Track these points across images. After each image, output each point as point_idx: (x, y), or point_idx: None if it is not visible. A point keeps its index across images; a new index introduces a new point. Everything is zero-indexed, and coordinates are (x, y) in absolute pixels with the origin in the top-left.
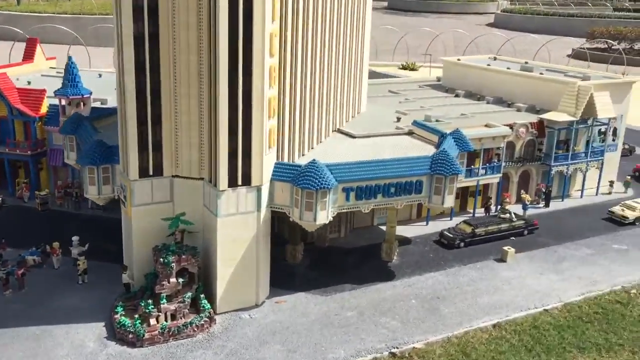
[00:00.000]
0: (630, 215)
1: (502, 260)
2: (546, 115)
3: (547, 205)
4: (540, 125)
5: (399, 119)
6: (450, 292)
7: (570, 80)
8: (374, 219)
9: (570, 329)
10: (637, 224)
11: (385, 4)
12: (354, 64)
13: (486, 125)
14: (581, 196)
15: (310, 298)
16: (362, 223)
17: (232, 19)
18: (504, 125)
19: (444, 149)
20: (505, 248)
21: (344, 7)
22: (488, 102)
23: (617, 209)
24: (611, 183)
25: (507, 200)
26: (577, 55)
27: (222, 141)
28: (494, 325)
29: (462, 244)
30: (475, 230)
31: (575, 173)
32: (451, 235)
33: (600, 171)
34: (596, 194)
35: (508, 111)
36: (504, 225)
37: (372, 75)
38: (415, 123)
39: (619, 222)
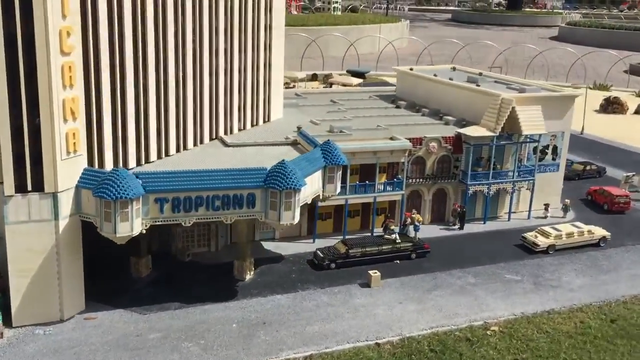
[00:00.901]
0: (542, 242)
1: (367, 285)
2: (463, 130)
3: (461, 227)
4: (457, 141)
5: (299, 129)
6: (284, 317)
7: (494, 92)
8: (255, 234)
9: None
10: (550, 252)
11: (449, 16)
12: (250, 71)
13: (391, 139)
14: (508, 219)
15: (124, 316)
16: (242, 237)
17: (6, 16)
18: (414, 138)
19: (283, 160)
20: (371, 272)
21: (221, 14)
22: (423, 114)
23: (530, 235)
24: (546, 206)
25: (392, 220)
26: (635, 70)
27: (4, 145)
28: (305, 358)
29: (332, 265)
30: (350, 251)
31: (503, 194)
32: (322, 255)
33: (532, 192)
34: (528, 218)
35: (435, 124)
36: (385, 247)
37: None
38: (300, 133)
39: (530, 249)
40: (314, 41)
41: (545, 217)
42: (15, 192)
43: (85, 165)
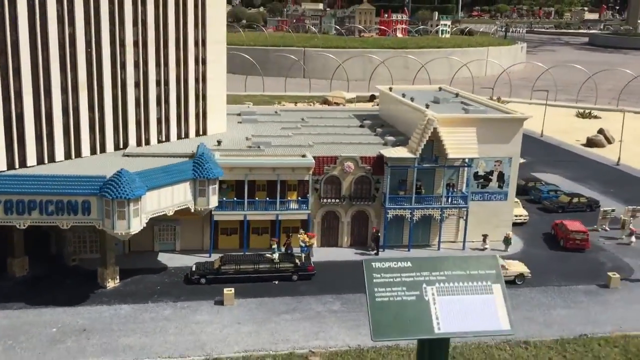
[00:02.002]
0: None
1: (221, 302)
2: (383, 150)
3: (376, 252)
4: (378, 161)
5: (219, 143)
6: (108, 326)
7: (423, 111)
8: (154, 244)
9: None
10: None
11: (586, 39)
12: (173, 84)
13: (303, 156)
14: (438, 248)
15: None
16: (140, 247)
17: None
18: (326, 157)
19: (121, 169)
20: (225, 290)
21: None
22: (377, 134)
23: None
24: (484, 237)
25: (274, 239)
26: None
27: None
28: None
29: (202, 280)
30: (221, 267)
31: (434, 221)
32: (194, 270)
33: (466, 221)
34: (463, 249)
35: (374, 143)
36: (263, 266)
37: None
38: (199, 147)
39: None
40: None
41: (484, 249)
42: None
43: None
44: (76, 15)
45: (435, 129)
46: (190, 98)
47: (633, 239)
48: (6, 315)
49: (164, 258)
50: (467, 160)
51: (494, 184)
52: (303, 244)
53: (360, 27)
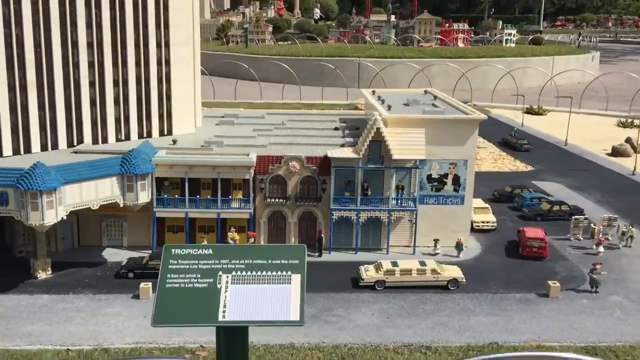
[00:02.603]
0: (368, 276)
1: (137, 297)
2: (329, 150)
3: (319, 254)
4: (324, 161)
5: (174, 142)
6: None
7: (376, 111)
8: (102, 239)
9: None
10: (378, 288)
11: None
12: (132, 84)
13: (246, 155)
14: (387, 252)
15: None
16: (90, 242)
17: None
18: (271, 156)
19: (37, 162)
20: (143, 284)
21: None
22: (343, 136)
23: (363, 268)
24: (436, 242)
25: (231, 234)
26: None
27: None
28: None
29: (130, 274)
30: (149, 262)
31: (392, 224)
32: (124, 264)
33: (415, 225)
34: (413, 253)
35: (331, 144)
36: None
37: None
38: (142, 144)
39: (359, 283)
40: (464, 74)
41: (435, 254)
42: None
43: None
44: (24, 17)
45: (378, 129)
46: (153, 98)
47: (601, 248)
48: None
49: (109, 253)
50: (417, 162)
51: (449, 187)
52: (232, 242)
53: (418, 37)
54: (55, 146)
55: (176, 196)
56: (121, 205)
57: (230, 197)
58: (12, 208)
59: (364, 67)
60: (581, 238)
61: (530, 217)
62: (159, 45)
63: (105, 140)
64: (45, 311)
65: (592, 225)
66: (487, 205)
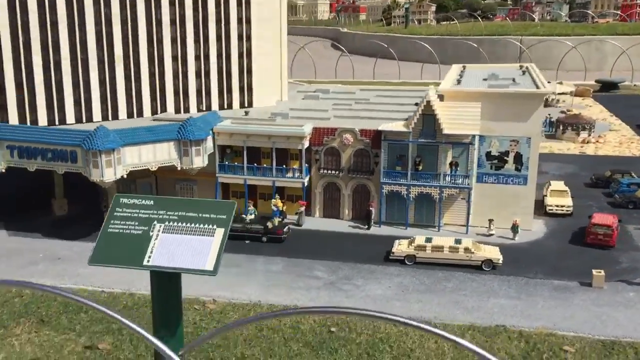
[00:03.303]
0: (399, 251)
1: None
2: (383, 124)
3: (368, 227)
4: (377, 135)
5: (246, 113)
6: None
7: (431, 85)
8: None
9: None
10: (408, 263)
11: None
12: (214, 59)
13: (300, 127)
14: (438, 230)
15: None
16: None
17: None
18: (326, 128)
19: (101, 126)
20: None
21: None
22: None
23: (397, 242)
24: (490, 222)
25: (274, 201)
26: None
27: None
28: None
29: None
30: None
31: (448, 201)
32: None
33: (468, 203)
34: (466, 232)
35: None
36: (235, 225)
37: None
38: (212, 113)
39: (389, 257)
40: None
41: (490, 234)
42: None
43: None
44: None
45: (429, 102)
46: (234, 72)
47: None
48: (19, 241)
49: None
50: (472, 137)
51: (510, 165)
52: (275, 208)
53: (592, 13)
54: (140, 114)
55: (236, 163)
56: (178, 168)
57: (285, 166)
58: (80, 165)
59: (526, 46)
60: None
61: (621, 204)
62: (240, 21)
63: (187, 110)
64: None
65: None
66: (566, 189)
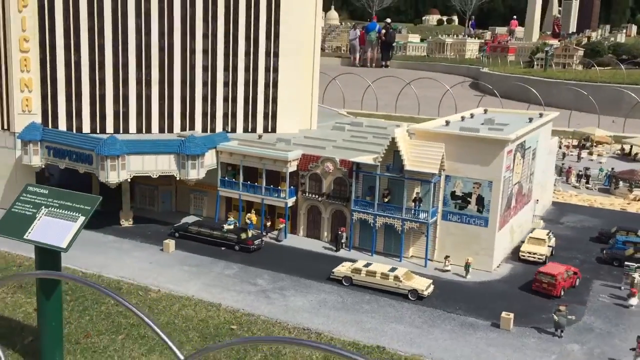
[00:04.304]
0: (338, 271)
1: (161, 249)
2: (357, 157)
3: (337, 249)
4: (351, 166)
5: (260, 137)
6: None
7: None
8: (190, 207)
9: None
10: (345, 284)
11: None
12: (241, 87)
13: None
14: (400, 260)
15: None
16: (182, 208)
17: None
18: (310, 155)
19: (112, 136)
20: (166, 240)
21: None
22: None
23: (342, 264)
24: (447, 258)
25: (249, 215)
26: None
27: None
28: None
29: (176, 234)
30: (189, 228)
31: (413, 233)
32: (176, 225)
33: (427, 238)
34: (425, 265)
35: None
36: (215, 233)
37: None
38: (220, 133)
39: (330, 276)
40: None
41: (445, 270)
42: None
43: (38, 121)
44: (152, 27)
45: (393, 139)
46: (259, 100)
47: (633, 301)
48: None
49: (187, 218)
50: (432, 175)
51: (472, 207)
52: (249, 221)
53: None
54: (170, 130)
55: (233, 180)
56: (177, 178)
57: (273, 186)
58: (94, 167)
59: None
60: (622, 288)
61: (606, 260)
62: (267, 54)
63: (213, 131)
64: (109, 248)
65: (634, 274)
66: (544, 238)
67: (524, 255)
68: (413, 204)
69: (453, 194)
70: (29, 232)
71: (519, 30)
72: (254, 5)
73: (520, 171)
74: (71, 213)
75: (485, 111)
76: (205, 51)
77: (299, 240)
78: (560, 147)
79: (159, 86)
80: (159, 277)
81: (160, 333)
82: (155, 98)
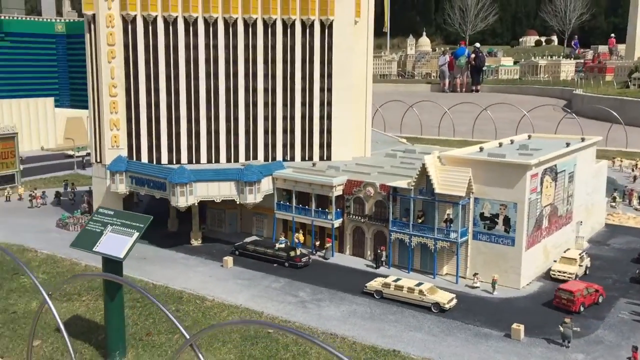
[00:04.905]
0: (371, 285)
1: (221, 265)
2: (394, 182)
3: (377, 266)
4: (390, 189)
5: (314, 165)
6: (147, 263)
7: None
8: (253, 229)
9: None
10: (376, 297)
11: None
12: (298, 120)
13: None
14: (433, 277)
15: None
16: (246, 229)
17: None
18: (354, 180)
19: (181, 166)
20: (226, 257)
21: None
22: None
23: (376, 279)
24: (475, 275)
25: (297, 235)
26: None
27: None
28: None
29: (236, 252)
30: (247, 246)
31: (447, 251)
32: (236, 244)
33: (457, 256)
34: (456, 282)
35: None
36: (269, 251)
37: None
38: (276, 163)
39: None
40: None
41: (474, 287)
42: (95, 162)
43: (124, 155)
44: (219, 72)
45: (423, 165)
46: (315, 131)
47: None
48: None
49: (252, 238)
50: (461, 198)
51: (499, 227)
52: (297, 240)
53: None
54: (236, 159)
55: (288, 203)
56: (237, 202)
57: (320, 209)
58: (167, 193)
59: None
60: None
61: (638, 279)
62: (322, 90)
63: (274, 160)
64: (177, 263)
65: None
66: (576, 257)
67: (554, 274)
68: (444, 224)
69: (482, 215)
70: (97, 245)
71: (621, 48)
72: (308, 48)
73: (553, 194)
74: (128, 230)
75: (529, 137)
76: (266, 90)
77: (344, 259)
78: (633, 170)
79: (226, 122)
80: (215, 288)
81: (167, 312)
82: (222, 132)
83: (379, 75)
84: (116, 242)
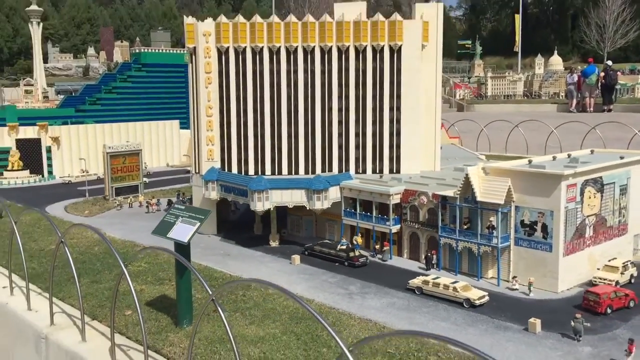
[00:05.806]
0: (412, 282)
1: (290, 262)
2: (443, 191)
3: (427, 269)
4: (439, 197)
5: (381, 176)
6: (238, 259)
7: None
8: (326, 233)
9: None
10: (417, 292)
11: None
12: (369, 135)
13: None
14: (478, 279)
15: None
16: (320, 234)
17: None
18: (409, 190)
19: (260, 176)
20: (293, 255)
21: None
22: None
23: (417, 280)
24: (514, 278)
25: (356, 238)
26: None
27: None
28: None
29: (306, 252)
30: (314, 247)
31: (485, 255)
32: (308, 245)
33: (498, 260)
34: (498, 285)
35: None
36: (332, 251)
37: None
38: (342, 175)
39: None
40: None
41: (513, 289)
42: (194, 173)
43: (217, 167)
44: (299, 94)
45: (467, 175)
46: (385, 146)
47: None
48: (221, 243)
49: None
50: (501, 205)
51: (538, 234)
52: (355, 243)
53: None
54: (313, 172)
55: (352, 210)
56: (307, 208)
57: (380, 215)
58: (248, 199)
59: None
60: None
61: None
62: (391, 109)
63: (347, 172)
64: (254, 260)
65: None
66: (619, 266)
67: (595, 281)
68: (487, 230)
69: (522, 222)
70: (170, 232)
71: None
72: (379, 71)
73: (598, 204)
74: (193, 220)
75: (592, 152)
76: (339, 109)
77: (401, 261)
78: None
79: (304, 138)
80: (279, 280)
81: (198, 275)
82: (301, 147)
83: (502, 96)
84: (184, 230)
